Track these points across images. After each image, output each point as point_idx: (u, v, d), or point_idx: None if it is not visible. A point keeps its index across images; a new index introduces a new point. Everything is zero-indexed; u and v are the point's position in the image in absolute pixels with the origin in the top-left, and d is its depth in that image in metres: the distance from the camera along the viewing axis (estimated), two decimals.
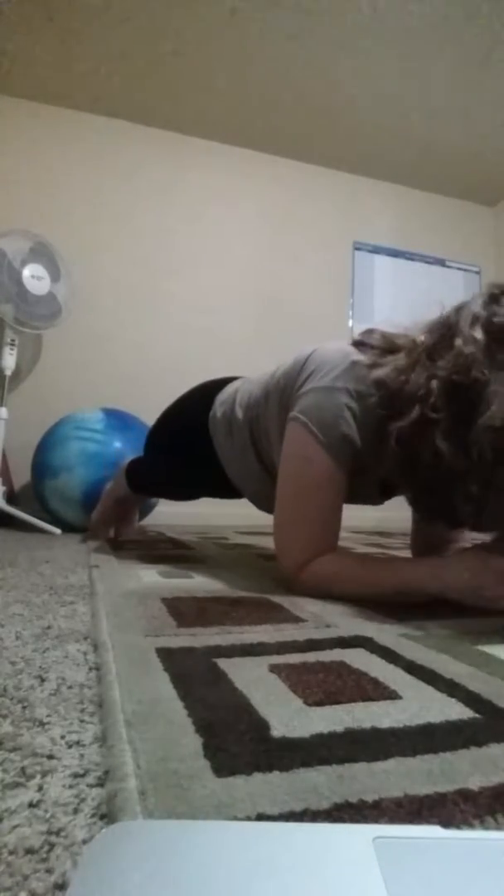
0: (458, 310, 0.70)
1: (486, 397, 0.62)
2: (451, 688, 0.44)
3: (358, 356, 0.84)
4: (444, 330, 0.70)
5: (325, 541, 0.83)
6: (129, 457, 1.51)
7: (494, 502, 0.65)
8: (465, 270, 3.11)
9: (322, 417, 0.80)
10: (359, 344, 0.88)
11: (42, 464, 1.81)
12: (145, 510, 1.91)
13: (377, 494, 0.97)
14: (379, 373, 0.77)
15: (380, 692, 0.42)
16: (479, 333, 0.65)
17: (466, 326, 0.66)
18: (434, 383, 0.67)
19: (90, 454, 1.72)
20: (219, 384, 1.23)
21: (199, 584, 0.88)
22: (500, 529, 0.73)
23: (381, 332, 0.84)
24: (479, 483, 0.64)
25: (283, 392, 0.93)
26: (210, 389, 1.22)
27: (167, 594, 0.77)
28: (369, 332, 0.87)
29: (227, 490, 1.19)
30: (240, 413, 1.07)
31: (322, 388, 0.82)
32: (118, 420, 1.84)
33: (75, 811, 0.27)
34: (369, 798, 0.28)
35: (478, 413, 0.62)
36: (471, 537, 0.95)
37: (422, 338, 0.74)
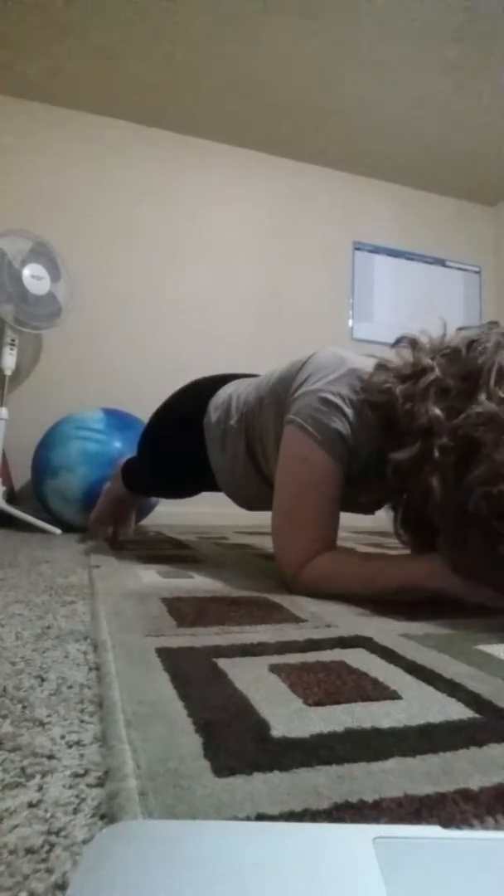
0: (482, 351, 0.67)
1: (491, 456, 0.62)
2: (451, 688, 0.44)
3: (355, 364, 0.84)
4: (465, 372, 0.68)
5: (324, 539, 0.83)
6: (128, 456, 1.52)
7: (472, 540, 0.65)
8: (465, 270, 3.11)
9: (317, 417, 0.81)
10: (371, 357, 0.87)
11: (42, 463, 1.81)
12: (145, 510, 1.91)
13: (368, 505, 0.96)
14: (383, 391, 0.75)
15: (380, 692, 0.42)
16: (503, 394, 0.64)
17: (492, 381, 0.64)
18: (444, 427, 0.66)
19: (90, 454, 1.72)
20: (212, 383, 1.22)
21: (199, 584, 0.88)
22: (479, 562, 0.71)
23: (411, 338, 0.80)
24: (461, 525, 0.65)
25: (280, 397, 0.93)
26: (203, 389, 1.21)
27: (167, 594, 0.77)
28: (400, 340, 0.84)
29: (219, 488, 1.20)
30: (234, 421, 1.06)
31: (317, 391, 0.82)
32: (118, 420, 1.84)
33: (75, 811, 0.27)
34: (369, 798, 0.28)
35: (477, 466, 0.62)
36: None
37: (434, 366, 0.71)
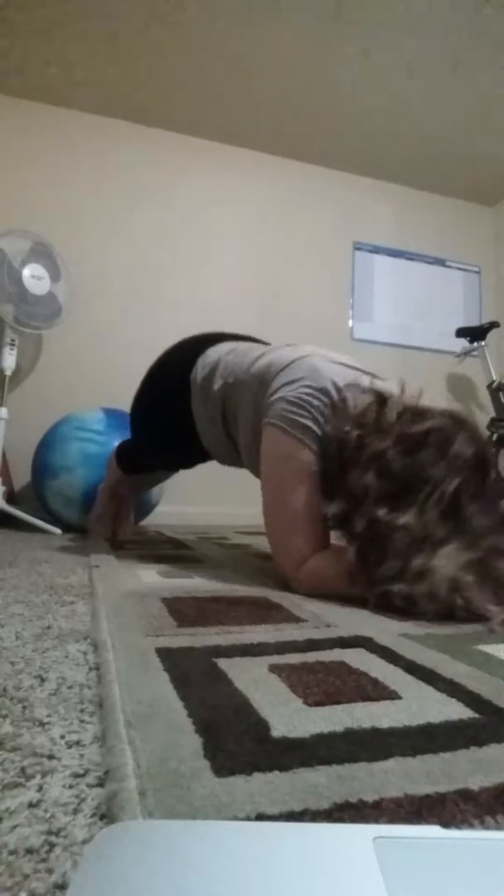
0: (432, 462, 0.70)
1: (390, 560, 0.69)
2: (451, 688, 0.44)
3: (329, 379, 0.87)
4: (409, 471, 0.71)
5: (317, 535, 0.85)
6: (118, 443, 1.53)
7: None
8: (465, 270, 3.11)
9: (291, 418, 0.86)
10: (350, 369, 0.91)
11: (42, 464, 1.81)
12: (145, 510, 1.91)
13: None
14: (339, 434, 0.79)
15: (380, 692, 0.42)
16: (433, 515, 0.68)
17: (429, 500, 0.68)
18: (368, 510, 0.71)
19: (90, 454, 1.72)
20: (200, 342, 1.23)
21: (199, 584, 0.88)
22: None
23: (379, 393, 0.83)
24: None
25: (257, 388, 0.96)
26: (191, 347, 1.23)
27: (167, 594, 0.77)
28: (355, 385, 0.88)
29: (208, 454, 1.22)
30: (217, 386, 1.08)
31: (291, 398, 0.87)
32: (118, 420, 1.84)
33: (75, 811, 0.27)
34: (369, 798, 0.28)
35: (385, 562, 0.69)
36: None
37: (388, 446, 0.73)
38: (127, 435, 1.77)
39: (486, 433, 0.73)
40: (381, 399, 0.78)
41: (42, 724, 0.37)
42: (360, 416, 0.78)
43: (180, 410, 1.16)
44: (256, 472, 1.00)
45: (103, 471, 1.65)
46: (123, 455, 1.46)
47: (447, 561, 0.66)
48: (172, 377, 1.21)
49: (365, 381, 0.88)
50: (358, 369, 0.94)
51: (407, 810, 0.27)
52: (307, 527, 0.84)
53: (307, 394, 0.86)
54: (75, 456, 1.73)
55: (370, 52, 2.13)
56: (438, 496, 0.68)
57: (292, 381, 0.88)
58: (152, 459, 1.43)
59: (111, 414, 1.87)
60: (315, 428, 0.84)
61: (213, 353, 1.16)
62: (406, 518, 0.68)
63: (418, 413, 0.75)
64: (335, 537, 0.88)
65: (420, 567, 0.67)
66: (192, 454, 1.27)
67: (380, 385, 0.85)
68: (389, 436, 0.73)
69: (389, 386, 0.84)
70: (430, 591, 0.66)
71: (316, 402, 0.85)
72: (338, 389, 0.86)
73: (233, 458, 1.15)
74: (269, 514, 0.89)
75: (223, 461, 1.20)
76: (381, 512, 0.69)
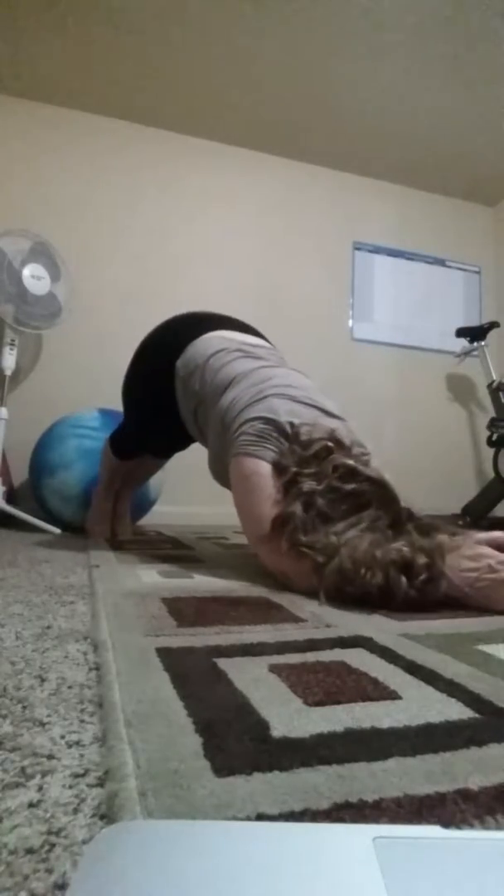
0: (367, 500, 0.85)
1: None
2: (451, 688, 0.44)
3: (287, 422, 0.96)
4: (329, 514, 0.85)
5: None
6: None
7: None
8: (465, 270, 3.11)
9: (253, 448, 0.94)
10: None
11: (40, 463, 1.81)
12: (144, 507, 1.91)
13: None
14: (282, 465, 0.91)
15: (380, 692, 0.42)
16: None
17: (336, 527, 0.82)
18: (294, 529, 0.83)
19: (87, 450, 1.73)
20: (191, 324, 1.28)
21: (199, 584, 0.88)
22: None
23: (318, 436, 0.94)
24: None
25: (223, 422, 1.04)
26: (183, 329, 1.27)
27: (167, 594, 0.77)
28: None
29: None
30: (196, 386, 1.14)
31: (251, 433, 0.96)
32: (113, 418, 1.84)
33: (75, 811, 0.27)
34: (369, 798, 0.28)
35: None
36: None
37: (318, 490, 0.85)
38: None
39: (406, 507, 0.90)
40: (328, 450, 0.89)
41: (42, 724, 0.37)
42: (303, 460, 0.89)
43: (166, 390, 1.22)
44: (220, 480, 1.12)
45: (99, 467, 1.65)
46: (116, 437, 1.51)
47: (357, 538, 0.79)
48: (161, 359, 1.26)
49: (323, 423, 0.97)
50: (319, 408, 1.02)
51: (407, 810, 0.27)
52: (273, 506, 0.90)
53: (265, 430, 0.96)
54: (72, 452, 1.74)
55: (370, 52, 2.13)
56: (354, 521, 0.82)
57: (253, 419, 0.97)
58: (143, 437, 1.47)
59: (106, 413, 1.88)
60: (273, 450, 0.94)
61: (202, 347, 1.18)
62: (330, 537, 0.80)
63: (350, 472, 0.86)
64: None
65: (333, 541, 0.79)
66: (178, 432, 1.30)
67: (335, 434, 0.94)
68: (321, 483, 0.85)
69: (343, 435, 0.94)
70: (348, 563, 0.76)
71: (274, 435, 0.95)
72: (293, 427, 0.95)
73: (203, 442, 1.21)
74: (250, 536, 0.95)
75: (203, 444, 1.25)
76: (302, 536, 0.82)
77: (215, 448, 1.10)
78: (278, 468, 0.91)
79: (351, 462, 0.87)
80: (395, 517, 0.84)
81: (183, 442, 1.39)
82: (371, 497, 0.85)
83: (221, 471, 1.08)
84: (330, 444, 0.91)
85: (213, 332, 1.22)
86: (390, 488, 0.87)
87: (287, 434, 0.95)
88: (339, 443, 0.92)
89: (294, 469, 0.88)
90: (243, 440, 0.96)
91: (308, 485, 0.85)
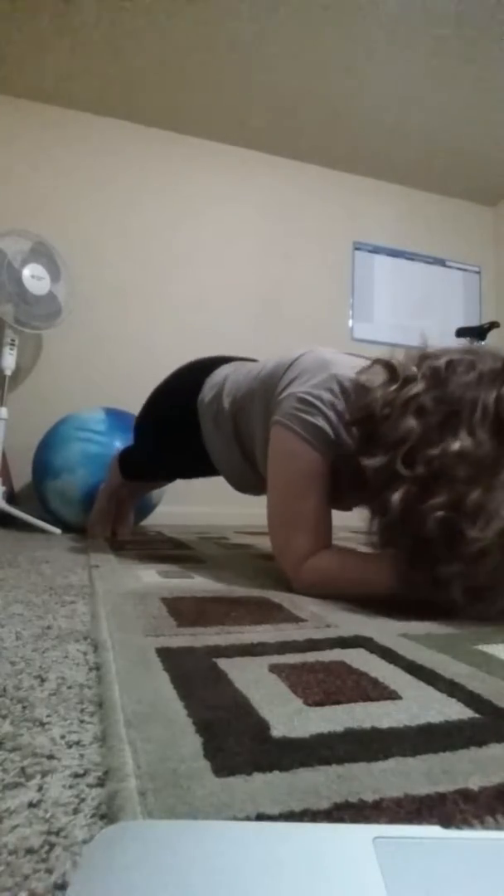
0: (464, 384, 0.67)
1: (456, 488, 0.63)
2: (451, 688, 0.44)
3: (338, 369, 0.85)
4: (445, 398, 0.67)
5: (320, 534, 0.84)
6: (121, 448, 1.53)
7: (421, 556, 0.68)
8: (465, 270, 3.11)
9: (300, 417, 0.83)
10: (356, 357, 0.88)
11: (43, 464, 1.81)
12: (145, 510, 1.90)
13: (347, 502, 0.97)
14: (362, 407, 0.75)
15: (380, 692, 0.42)
16: (484, 434, 0.64)
17: (475, 417, 0.65)
18: (419, 450, 0.66)
19: (91, 455, 1.72)
20: (207, 364, 1.23)
21: (199, 584, 0.88)
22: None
23: (386, 360, 0.78)
24: (415, 543, 0.67)
25: (266, 393, 0.95)
26: (198, 370, 1.23)
27: (167, 594, 0.77)
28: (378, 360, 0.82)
29: (214, 469, 1.20)
30: (226, 403, 1.08)
31: (299, 394, 0.85)
32: (119, 420, 1.84)
33: (75, 811, 0.27)
34: (369, 798, 0.28)
35: (440, 493, 0.64)
36: None
37: (418, 378, 0.70)
38: (128, 435, 1.78)
39: None
40: (393, 368, 0.75)
41: (42, 724, 0.37)
42: (382, 384, 0.74)
43: (187, 434, 1.16)
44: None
45: (104, 471, 1.65)
46: (126, 463, 1.46)
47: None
48: (180, 399, 1.21)
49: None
50: (366, 358, 0.90)
51: (407, 810, 0.27)
52: (311, 526, 0.84)
53: (316, 386, 0.83)
54: (76, 457, 1.73)
55: (370, 53, 2.13)
56: (482, 413, 0.65)
57: (301, 375, 0.86)
58: (156, 471, 1.43)
59: (112, 414, 1.87)
60: (326, 427, 0.82)
61: (220, 373, 1.16)
62: (458, 443, 0.64)
63: (434, 355, 0.72)
64: (335, 539, 0.88)
65: (477, 501, 0.62)
66: (196, 471, 1.27)
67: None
68: (416, 382, 0.70)
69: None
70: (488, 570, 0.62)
71: (327, 396, 0.82)
72: (347, 378, 0.83)
73: (250, 477, 1.11)
74: (273, 514, 0.88)
75: (241, 487, 1.18)
76: (438, 449, 0.65)
77: (263, 452, 0.97)
78: (338, 456, 0.79)
79: (435, 364, 0.71)
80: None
81: (196, 475, 1.35)
82: (472, 358, 0.70)
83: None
84: (393, 364, 0.75)
85: (227, 363, 1.21)
86: (482, 347, 0.72)
87: (342, 384, 0.83)
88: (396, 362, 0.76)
89: (383, 391, 0.72)
90: (291, 406, 0.84)
91: (406, 392, 0.69)
